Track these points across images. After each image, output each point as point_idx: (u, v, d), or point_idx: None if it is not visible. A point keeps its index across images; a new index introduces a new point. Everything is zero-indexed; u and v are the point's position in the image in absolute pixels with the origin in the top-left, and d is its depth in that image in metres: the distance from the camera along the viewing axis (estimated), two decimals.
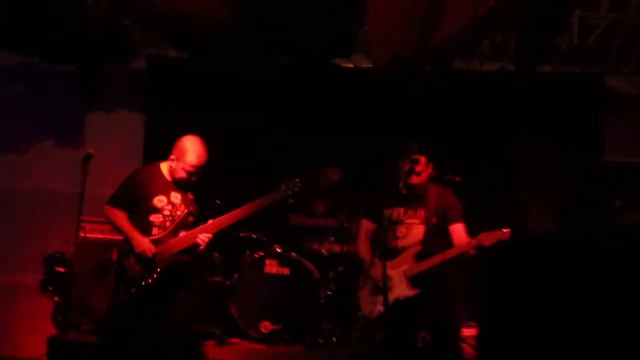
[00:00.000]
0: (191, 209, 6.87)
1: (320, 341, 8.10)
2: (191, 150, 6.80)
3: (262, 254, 8.57)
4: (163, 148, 7.43)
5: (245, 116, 9.35)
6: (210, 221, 6.88)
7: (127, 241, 6.71)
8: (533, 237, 8.57)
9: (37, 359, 8.03)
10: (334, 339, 8.15)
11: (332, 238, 8.83)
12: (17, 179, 9.16)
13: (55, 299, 8.39)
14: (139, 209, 6.79)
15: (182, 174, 6.79)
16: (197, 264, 7.11)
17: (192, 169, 6.78)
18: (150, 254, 6.64)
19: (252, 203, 6.99)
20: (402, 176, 6.90)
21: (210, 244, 6.88)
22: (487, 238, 6.52)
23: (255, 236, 8.84)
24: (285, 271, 8.48)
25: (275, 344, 8.20)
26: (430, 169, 6.96)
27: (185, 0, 7.25)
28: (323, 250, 8.79)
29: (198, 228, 6.84)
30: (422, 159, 6.87)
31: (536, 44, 8.37)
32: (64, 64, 8.79)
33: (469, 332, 8.45)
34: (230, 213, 6.95)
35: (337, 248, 8.73)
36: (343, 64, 9.28)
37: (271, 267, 8.51)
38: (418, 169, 6.84)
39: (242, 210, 6.97)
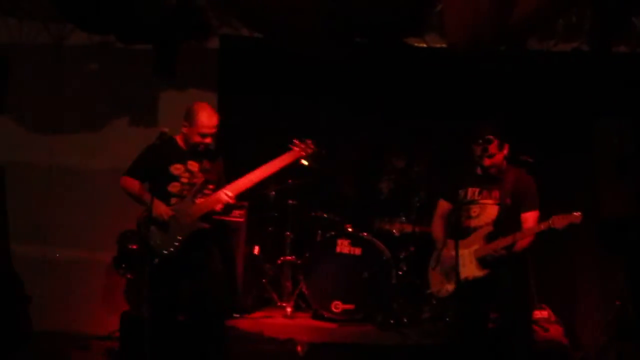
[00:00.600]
0: (209, 176, 6.93)
1: (392, 321, 8.15)
2: (201, 113, 6.89)
3: (333, 233, 8.61)
4: (235, 127, 7.49)
5: (317, 97, 9.36)
6: (227, 187, 6.93)
7: (146, 210, 6.73)
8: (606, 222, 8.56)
9: (110, 335, 8.17)
10: (404, 319, 8.18)
11: (403, 218, 8.83)
12: (92, 157, 9.26)
13: (128, 276, 8.51)
14: (156, 180, 6.86)
15: (196, 139, 6.87)
16: (219, 230, 7.12)
17: (204, 130, 6.84)
18: (167, 217, 6.73)
19: (267, 164, 7.06)
20: (476, 157, 6.87)
21: (230, 206, 7.01)
22: (559, 221, 6.47)
23: (327, 216, 8.87)
24: (357, 251, 8.52)
25: (346, 324, 8.25)
26: (504, 150, 6.90)
27: None
28: (394, 230, 8.79)
29: (216, 193, 6.89)
30: (495, 140, 6.81)
31: (612, 23, 8.24)
32: (139, 43, 8.85)
33: (540, 314, 8.42)
34: (247, 175, 7.00)
35: (408, 228, 8.72)
36: (416, 44, 9.21)
37: (343, 246, 8.55)
38: (491, 150, 6.78)
39: (258, 171, 7.03)
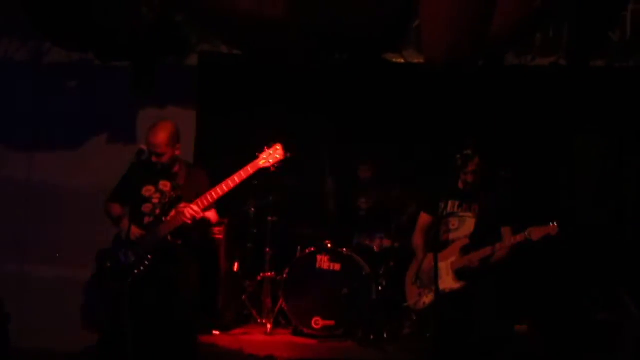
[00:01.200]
0: (181, 193, 6.92)
1: (372, 337, 8.13)
2: (149, 130, 6.96)
3: (313, 249, 8.60)
4: (215, 144, 7.48)
5: (297, 112, 9.38)
6: (196, 200, 6.93)
7: (119, 232, 6.96)
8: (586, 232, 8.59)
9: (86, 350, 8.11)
10: (385, 335, 8.17)
11: (382, 234, 8.84)
12: (71, 174, 9.22)
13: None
14: (131, 202, 7.03)
15: (152, 157, 6.88)
16: (190, 246, 7.12)
17: (152, 148, 6.84)
18: (132, 237, 6.79)
19: (236, 174, 7.03)
20: (457, 172, 6.92)
21: (200, 220, 6.94)
22: (535, 233, 6.51)
23: (306, 232, 8.87)
24: (337, 267, 8.52)
25: (326, 340, 8.24)
26: (483, 165, 6.95)
27: None
28: (374, 246, 8.81)
29: (183, 208, 6.87)
30: (475, 155, 6.86)
31: (589, 38, 8.27)
32: (117, 61, 8.84)
33: (520, 328, 8.43)
34: (215, 187, 6.98)
35: (387, 243, 8.73)
36: (394, 59, 9.24)
37: (322, 262, 8.55)
38: (471, 164, 6.84)
39: (226, 182, 7.00)
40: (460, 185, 7.05)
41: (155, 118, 8.94)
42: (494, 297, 6.96)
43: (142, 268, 6.81)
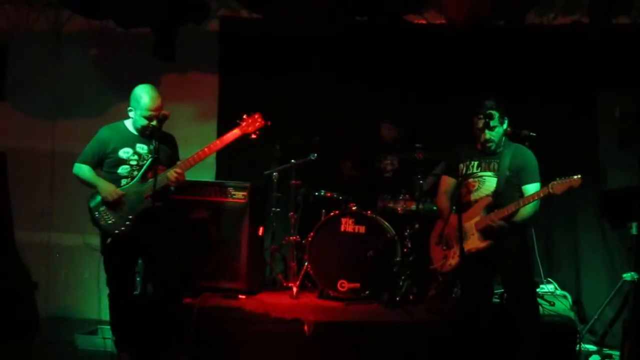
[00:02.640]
0: (158, 156, 6.94)
1: (398, 299, 8.11)
2: (144, 94, 7.07)
3: (337, 212, 8.59)
4: (238, 107, 7.49)
5: (317, 76, 9.36)
6: (179, 163, 7.15)
7: (95, 192, 7.08)
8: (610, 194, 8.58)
9: None
10: (411, 297, 8.16)
11: (407, 195, 8.81)
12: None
13: None
14: (106, 164, 7.14)
15: (142, 122, 7.05)
16: (169, 207, 7.21)
17: (149, 113, 7.01)
18: (115, 196, 6.96)
19: (216, 141, 7.28)
20: (476, 131, 6.89)
21: (182, 184, 7.16)
22: (558, 186, 6.46)
23: (330, 195, 8.86)
24: (361, 229, 8.49)
25: (352, 302, 8.23)
26: (504, 124, 6.92)
27: None
28: (398, 208, 8.78)
29: (166, 171, 7.04)
30: (496, 114, 6.83)
31: None
32: (137, 27, 8.84)
33: (546, 288, 8.44)
34: (197, 152, 7.15)
35: (412, 205, 8.71)
36: (416, 21, 9.20)
37: (347, 225, 8.52)
38: (492, 124, 6.80)
39: (207, 148, 7.19)
40: (478, 146, 7.00)
41: (178, 83, 9.03)
42: (522, 252, 6.94)
43: (123, 229, 6.97)
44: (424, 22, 9.27)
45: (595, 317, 8.51)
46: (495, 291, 7.47)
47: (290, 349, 7.47)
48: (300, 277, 8.55)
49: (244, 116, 7.32)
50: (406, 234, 8.54)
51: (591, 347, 8.32)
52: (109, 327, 7.73)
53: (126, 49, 9.38)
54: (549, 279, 8.64)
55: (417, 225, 8.51)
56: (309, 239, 8.51)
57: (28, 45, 9.40)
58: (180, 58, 8.96)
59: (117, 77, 9.43)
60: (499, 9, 8.02)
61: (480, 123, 6.82)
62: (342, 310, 8.07)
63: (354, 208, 8.57)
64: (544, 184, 6.68)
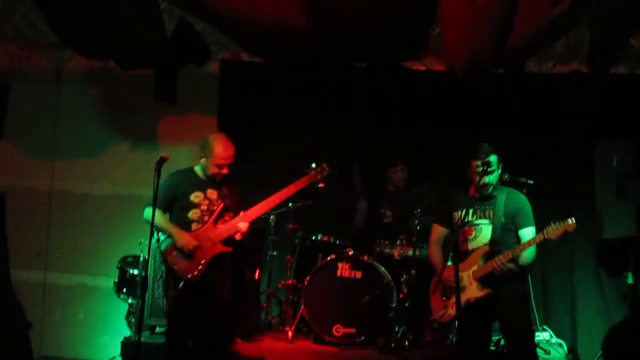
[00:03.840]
0: (228, 202, 7.16)
1: (393, 344, 8.09)
2: (218, 144, 7.15)
3: (334, 257, 8.58)
4: (237, 150, 7.51)
5: (317, 118, 9.39)
6: (242, 213, 7.19)
7: (170, 238, 7.09)
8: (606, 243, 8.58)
9: None
10: (406, 342, 8.14)
11: (404, 241, 8.81)
12: (93, 182, 9.29)
13: (130, 301, 8.52)
14: (177, 208, 7.19)
15: (213, 170, 7.13)
16: (238, 254, 7.25)
17: (221, 162, 7.10)
18: (191, 247, 6.99)
19: (284, 190, 7.31)
20: (474, 177, 6.90)
21: (249, 233, 7.24)
22: (554, 232, 6.47)
23: (327, 239, 8.86)
24: (358, 274, 8.48)
25: (348, 347, 8.21)
26: (500, 170, 6.94)
27: (260, 8, 7.29)
28: (395, 253, 8.77)
29: (235, 219, 7.17)
30: (494, 158, 6.84)
31: (610, 45, 8.24)
32: (139, 69, 8.89)
33: (542, 336, 8.43)
34: (264, 201, 7.26)
35: (409, 251, 8.70)
36: (415, 67, 9.25)
37: (343, 270, 8.52)
38: (489, 169, 6.81)
39: (274, 197, 7.28)
40: (471, 192, 7.00)
41: (176, 125, 9.05)
42: (522, 299, 6.94)
43: (195, 274, 7.00)
44: (423, 68, 9.32)
45: None
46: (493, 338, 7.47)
47: None
48: (296, 321, 8.54)
49: (312, 165, 7.46)
50: (402, 279, 8.54)
51: None
52: None
53: (126, 90, 9.41)
54: (545, 327, 8.64)
55: (413, 271, 8.50)
56: (305, 283, 8.49)
57: (29, 84, 9.43)
58: (180, 99, 8.99)
59: (117, 117, 9.49)
60: (499, 57, 8.04)
61: (480, 167, 6.83)
62: (337, 355, 8.06)
63: (350, 253, 8.57)
64: (539, 230, 6.68)
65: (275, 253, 8.98)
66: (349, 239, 8.82)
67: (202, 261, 7.02)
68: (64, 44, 8.83)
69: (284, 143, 9.37)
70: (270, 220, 8.82)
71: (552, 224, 6.50)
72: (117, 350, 7.94)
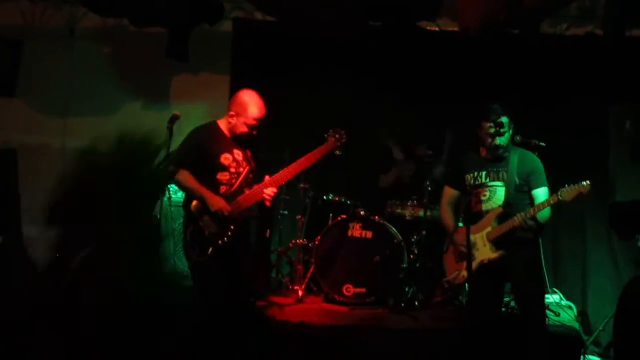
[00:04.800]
0: (253, 165, 6.96)
1: (403, 304, 8.11)
2: (252, 103, 6.87)
3: (345, 217, 8.60)
4: None
5: (329, 79, 9.34)
6: (266, 177, 6.93)
7: (201, 201, 6.75)
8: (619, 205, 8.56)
9: None
10: (416, 303, 8.15)
11: (414, 201, 8.80)
12: (105, 140, 9.27)
13: None
14: (205, 168, 6.82)
15: (243, 129, 6.86)
16: (263, 219, 7.20)
17: (254, 122, 6.86)
18: (226, 212, 6.72)
19: (306, 156, 7.08)
20: (486, 138, 6.87)
21: (275, 198, 7.03)
22: (568, 193, 6.45)
23: (338, 199, 8.87)
24: (369, 234, 8.50)
25: (357, 307, 8.24)
26: (512, 131, 6.91)
27: None
28: (406, 214, 8.78)
29: (262, 184, 6.89)
30: (506, 120, 6.81)
31: (625, 7, 8.19)
32: (152, 27, 8.86)
33: (552, 298, 8.44)
34: (288, 167, 7.02)
35: (420, 212, 8.70)
36: (429, 27, 9.20)
37: (354, 230, 8.53)
38: (501, 130, 6.78)
39: (298, 164, 7.06)
40: (483, 153, 6.97)
41: (189, 84, 9.04)
42: (534, 262, 6.95)
43: (225, 239, 6.76)
44: (436, 29, 9.27)
45: (600, 328, 8.47)
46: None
47: (295, 351, 7.47)
48: (306, 280, 8.57)
49: (331, 131, 7.23)
50: (413, 240, 8.55)
51: (595, 359, 8.30)
52: None
53: (139, 48, 9.38)
54: (555, 289, 8.65)
55: (424, 232, 8.51)
56: (316, 242, 8.52)
57: (42, 41, 9.41)
58: (193, 58, 8.97)
59: (129, 75, 9.47)
60: (514, 18, 8.00)
61: (491, 129, 6.79)
62: (347, 315, 8.06)
63: (361, 213, 8.58)
64: (552, 192, 6.67)
65: (286, 212, 9.00)
66: (360, 199, 8.82)
67: (232, 227, 6.77)
68: (77, 1, 8.81)
69: (297, 104, 9.35)
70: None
71: (567, 186, 6.48)
72: None
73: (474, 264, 6.72)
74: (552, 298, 8.45)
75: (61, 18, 9.41)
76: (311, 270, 8.54)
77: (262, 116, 6.89)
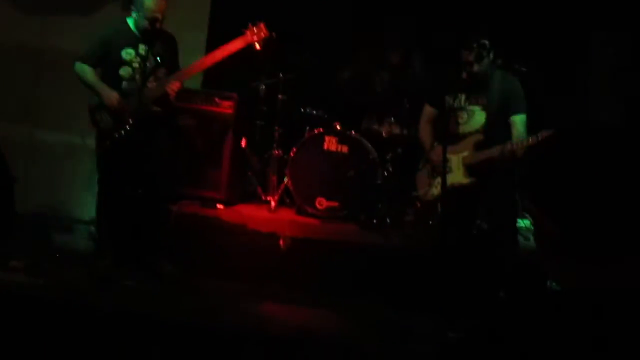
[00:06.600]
0: (161, 60, 6.93)
1: (374, 221, 8.16)
2: None
3: (321, 130, 8.58)
4: (230, 18, 7.40)
5: None
6: (177, 72, 7.02)
7: (97, 95, 6.92)
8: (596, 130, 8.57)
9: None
10: (387, 220, 8.20)
11: (392, 119, 8.78)
12: (85, 40, 9.15)
13: None
14: (107, 64, 6.97)
15: (144, 23, 6.86)
16: (168, 114, 7.15)
17: (155, 14, 6.82)
18: (116, 105, 6.83)
19: (218, 49, 7.07)
20: (465, 62, 6.83)
21: (180, 93, 7.03)
22: (539, 143, 6.41)
23: (316, 112, 8.84)
24: (344, 149, 8.52)
25: (329, 221, 8.29)
26: (492, 56, 6.86)
27: None
28: (383, 131, 8.76)
29: (167, 78, 6.94)
30: (485, 45, 6.77)
31: None
32: None
33: (524, 222, 8.47)
34: (199, 60, 7.12)
35: (397, 129, 8.69)
36: None
37: (330, 144, 8.54)
38: (481, 57, 6.75)
39: (209, 57, 7.10)
40: (465, 76, 6.94)
41: None
42: (508, 189, 6.97)
43: (122, 132, 6.87)
44: None
45: None
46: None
47: (265, 262, 7.53)
48: (280, 191, 8.59)
49: (249, 25, 7.13)
50: (388, 157, 8.56)
51: None
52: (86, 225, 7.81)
53: None
54: (525, 213, 8.68)
55: (399, 150, 8.52)
56: (291, 154, 8.52)
57: None
58: None
59: None
60: None
61: (470, 55, 6.76)
62: (318, 228, 8.15)
63: (338, 127, 8.57)
64: (530, 126, 6.66)
65: (263, 123, 8.97)
66: (337, 113, 8.79)
67: (130, 120, 6.85)
68: None
69: (280, 15, 9.22)
70: (260, 91, 8.78)
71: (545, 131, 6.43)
72: None
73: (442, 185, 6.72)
74: (523, 223, 8.47)
75: None
76: (285, 182, 8.55)
77: (160, 9, 6.84)
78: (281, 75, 8.66)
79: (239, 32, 7.14)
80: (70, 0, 9.27)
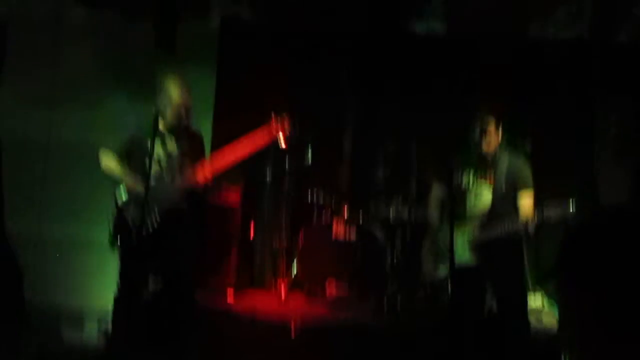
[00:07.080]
0: (187, 155, 6.91)
1: (385, 304, 8.12)
2: (172, 89, 6.86)
3: (329, 216, 8.60)
4: (234, 107, 7.46)
5: (316, 78, 9.33)
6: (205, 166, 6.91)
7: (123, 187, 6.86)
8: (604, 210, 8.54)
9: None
10: (398, 303, 8.16)
11: (399, 202, 8.80)
12: (91, 132, 9.22)
13: None
14: (136, 157, 6.89)
15: (170, 117, 6.85)
16: (195, 208, 7.11)
17: (177, 109, 6.84)
18: (136, 189, 6.72)
19: (244, 142, 6.96)
20: (474, 140, 6.87)
21: (208, 187, 7.05)
22: (550, 211, 6.40)
23: (323, 198, 8.86)
24: (352, 232, 8.51)
25: (339, 306, 8.25)
26: (500, 135, 6.90)
27: None
28: (390, 214, 8.76)
29: (194, 172, 6.85)
30: (494, 125, 6.81)
31: (613, 13, 8.22)
32: (140, 20, 8.82)
33: (535, 304, 8.42)
34: (224, 155, 6.94)
35: (404, 212, 8.70)
36: (416, 29, 9.20)
37: (338, 229, 8.53)
38: (489, 134, 6.79)
39: (236, 151, 6.95)
40: (476, 157, 6.98)
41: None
42: (516, 266, 6.94)
43: (149, 229, 6.78)
44: (424, 30, 9.27)
45: None
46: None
47: (276, 350, 7.47)
48: (289, 277, 8.57)
49: (272, 115, 7.12)
50: (397, 240, 8.55)
51: None
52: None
53: (126, 40, 9.32)
54: (538, 287, 8.64)
55: (408, 232, 8.52)
56: (300, 241, 8.52)
57: (28, 30, 9.34)
58: (180, 54, 8.93)
59: (116, 69, 9.39)
60: (502, 20, 8.03)
61: (479, 131, 6.81)
62: (328, 313, 8.08)
63: (345, 213, 8.58)
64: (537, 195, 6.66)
65: (270, 208, 8.99)
66: (345, 199, 8.81)
67: (156, 215, 6.79)
68: None
69: (282, 102, 9.31)
70: (267, 180, 8.82)
71: (549, 203, 6.42)
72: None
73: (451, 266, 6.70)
74: (535, 301, 8.41)
75: (47, 8, 9.32)
76: (294, 268, 8.54)
77: (184, 101, 6.86)
78: (287, 167, 8.69)
79: (243, 120, 7.17)
80: (75, 93, 9.36)
